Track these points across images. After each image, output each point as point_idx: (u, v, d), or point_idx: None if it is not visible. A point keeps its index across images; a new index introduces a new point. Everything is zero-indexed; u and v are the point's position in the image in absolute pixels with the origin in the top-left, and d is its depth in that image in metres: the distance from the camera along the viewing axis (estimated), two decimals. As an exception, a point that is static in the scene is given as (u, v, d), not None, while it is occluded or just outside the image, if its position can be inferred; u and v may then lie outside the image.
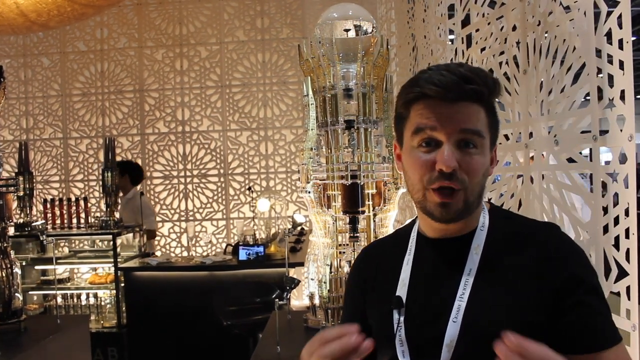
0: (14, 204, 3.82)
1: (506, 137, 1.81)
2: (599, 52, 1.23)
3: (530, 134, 1.59)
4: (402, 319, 0.90)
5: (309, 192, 2.09)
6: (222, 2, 5.73)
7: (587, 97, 1.30)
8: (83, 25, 5.69)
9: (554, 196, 1.48)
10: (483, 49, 1.97)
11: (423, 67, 3.09)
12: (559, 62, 1.42)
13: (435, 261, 0.93)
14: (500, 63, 1.79)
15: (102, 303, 4.31)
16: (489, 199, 1.81)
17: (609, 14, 1.21)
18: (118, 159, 5.48)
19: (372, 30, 2.17)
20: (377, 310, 0.97)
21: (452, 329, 0.85)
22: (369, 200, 2.05)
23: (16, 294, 2.49)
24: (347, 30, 2.16)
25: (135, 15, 5.77)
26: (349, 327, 0.78)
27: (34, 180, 4.51)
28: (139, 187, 4.91)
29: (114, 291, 4.22)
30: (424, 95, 0.87)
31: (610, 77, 1.20)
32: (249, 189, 5.41)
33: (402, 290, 0.93)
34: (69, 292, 4.33)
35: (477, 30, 2.01)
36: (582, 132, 1.32)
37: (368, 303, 1.01)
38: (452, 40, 2.36)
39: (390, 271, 0.97)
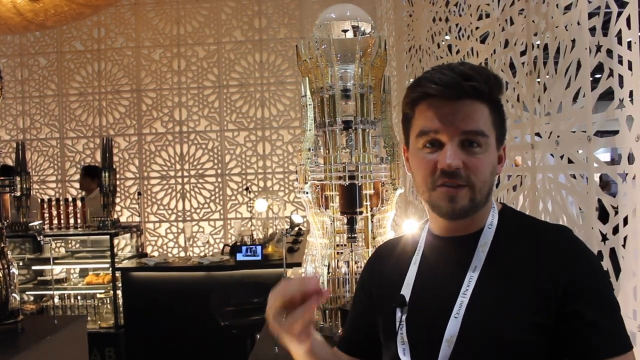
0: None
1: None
2: (610, 53, 1.23)
3: (538, 134, 1.59)
4: (404, 317, 0.91)
5: (307, 193, 2.08)
6: (219, 2, 5.72)
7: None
8: (80, 24, 5.68)
9: (553, 197, 1.48)
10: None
11: (427, 68, 3.09)
12: (559, 62, 1.42)
13: (442, 259, 0.94)
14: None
15: (100, 303, 4.30)
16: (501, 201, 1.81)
17: (619, 14, 1.20)
18: (115, 159, 5.48)
19: (371, 31, 2.16)
20: (384, 308, 0.97)
21: (453, 325, 0.85)
22: (366, 201, 2.04)
23: (13, 294, 2.48)
24: (345, 31, 2.16)
25: (133, 15, 5.76)
26: (310, 276, 0.85)
27: (31, 180, 4.51)
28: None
29: (111, 291, 4.21)
30: (427, 95, 0.88)
31: (621, 78, 1.19)
32: (247, 189, 5.41)
33: (406, 289, 0.94)
34: (65, 292, 4.32)
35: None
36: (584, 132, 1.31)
37: (376, 300, 1.02)
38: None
39: (398, 270, 0.98)
